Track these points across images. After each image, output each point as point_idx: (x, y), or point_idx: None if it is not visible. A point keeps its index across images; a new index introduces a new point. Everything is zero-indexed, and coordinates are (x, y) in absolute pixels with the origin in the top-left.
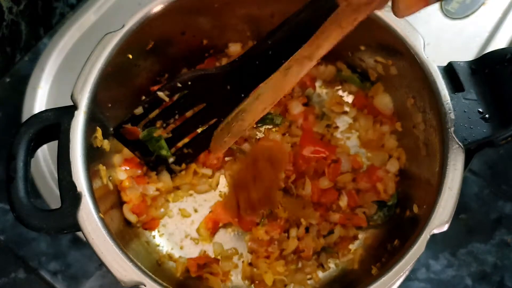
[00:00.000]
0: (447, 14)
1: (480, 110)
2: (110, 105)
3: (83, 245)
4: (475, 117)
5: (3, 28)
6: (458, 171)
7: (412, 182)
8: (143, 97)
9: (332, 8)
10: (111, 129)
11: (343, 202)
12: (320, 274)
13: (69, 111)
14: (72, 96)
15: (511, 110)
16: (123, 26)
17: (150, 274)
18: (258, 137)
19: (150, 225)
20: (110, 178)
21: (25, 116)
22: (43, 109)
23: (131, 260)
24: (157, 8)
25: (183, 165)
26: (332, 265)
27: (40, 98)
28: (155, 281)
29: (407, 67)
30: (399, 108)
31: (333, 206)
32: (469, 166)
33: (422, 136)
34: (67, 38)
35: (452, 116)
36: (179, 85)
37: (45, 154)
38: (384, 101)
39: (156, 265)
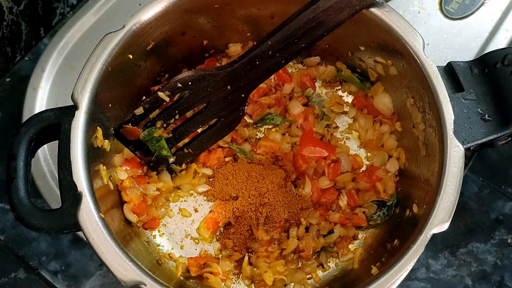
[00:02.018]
0: (447, 14)
1: (480, 110)
2: (110, 105)
3: (84, 245)
4: (475, 117)
5: (3, 28)
6: (457, 171)
7: (412, 182)
8: (144, 97)
9: (332, 8)
10: (112, 129)
11: (343, 202)
12: (320, 273)
13: (70, 111)
14: (72, 96)
15: (510, 110)
16: (124, 26)
17: (151, 273)
18: (258, 137)
19: (150, 224)
20: (111, 178)
21: (26, 116)
22: (44, 109)
23: (132, 260)
24: (157, 8)
25: (184, 165)
26: (332, 265)
27: (41, 98)
28: (155, 280)
29: (406, 67)
30: (398, 108)
31: (333, 206)
32: (469, 166)
33: (422, 136)
34: (67, 38)
35: (451, 116)
36: (179, 85)
37: (45, 154)
38: (383, 101)
39: (156, 265)
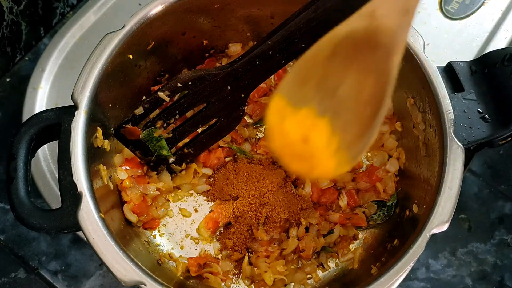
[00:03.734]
0: (447, 14)
1: (480, 110)
2: (110, 105)
3: (84, 245)
4: (475, 117)
5: (3, 28)
6: (457, 171)
7: (412, 182)
8: (144, 97)
9: (331, 8)
10: (112, 129)
11: (343, 201)
12: (320, 273)
13: (70, 111)
14: (72, 96)
15: (511, 110)
16: (124, 26)
17: (151, 273)
18: (258, 137)
19: (150, 224)
20: (111, 178)
21: (26, 116)
22: (44, 109)
23: (132, 260)
24: (157, 8)
25: (184, 165)
26: (332, 265)
27: (40, 98)
28: (155, 280)
29: (407, 67)
30: (399, 108)
31: (333, 205)
32: (469, 166)
33: (422, 136)
34: (67, 38)
35: (451, 116)
36: (179, 85)
37: (45, 154)
38: None
39: (156, 265)
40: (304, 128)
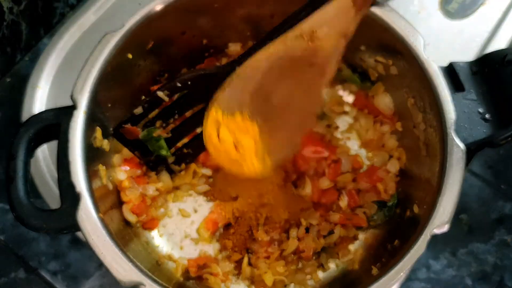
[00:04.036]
0: (447, 14)
1: (480, 110)
2: (109, 105)
3: (83, 245)
4: (475, 117)
5: (3, 28)
6: (458, 171)
7: (413, 182)
8: (143, 97)
9: None
10: (111, 129)
11: (343, 202)
12: (320, 274)
13: (69, 111)
14: (71, 96)
15: (511, 110)
16: (123, 26)
17: (150, 274)
18: None
19: (149, 225)
20: (110, 178)
21: (25, 116)
22: (43, 109)
23: (131, 260)
24: (157, 8)
25: (183, 165)
26: (332, 265)
27: (40, 98)
28: (154, 281)
29: (407, 67)
30: (399, 108)
31: (333, 206)
32: (469, 166)
33: (423, 136)
34: (67, 38)
35: (452, 116)
36: (179, 84)
37: (45, 154)
38: (384, 101)
39: (156, 265)
40: (236, 133)
